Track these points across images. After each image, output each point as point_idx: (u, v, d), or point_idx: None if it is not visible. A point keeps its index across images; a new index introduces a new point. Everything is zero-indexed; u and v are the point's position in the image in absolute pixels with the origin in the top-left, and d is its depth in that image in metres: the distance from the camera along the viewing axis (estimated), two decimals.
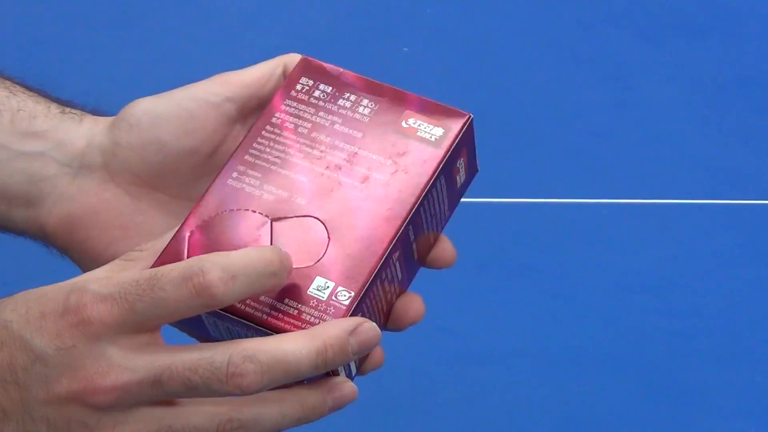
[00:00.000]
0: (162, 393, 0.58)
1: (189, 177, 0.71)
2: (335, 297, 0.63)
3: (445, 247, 0.71)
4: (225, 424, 0.58)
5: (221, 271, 0.58)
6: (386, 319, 0.68)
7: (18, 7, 2.24)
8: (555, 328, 1.74)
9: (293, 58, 0.73)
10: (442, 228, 0.71)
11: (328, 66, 0.71)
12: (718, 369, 1.70)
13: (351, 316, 0.63)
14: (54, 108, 0.72)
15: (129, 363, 0.57)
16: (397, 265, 0.67)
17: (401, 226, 0.66)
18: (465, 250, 1.84)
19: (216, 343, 0.58)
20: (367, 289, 0.64)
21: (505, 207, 1.93)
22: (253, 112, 0.71)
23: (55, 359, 0.57)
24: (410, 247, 0.67)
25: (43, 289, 0.61)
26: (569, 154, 2.02)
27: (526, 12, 2.32)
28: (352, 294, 0.64)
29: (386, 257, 0.65)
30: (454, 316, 1.75)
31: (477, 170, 0.72)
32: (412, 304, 0.68)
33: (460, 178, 0.70)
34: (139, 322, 0.58)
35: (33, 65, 2.10)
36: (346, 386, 0.62)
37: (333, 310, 0.63)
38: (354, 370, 0.66)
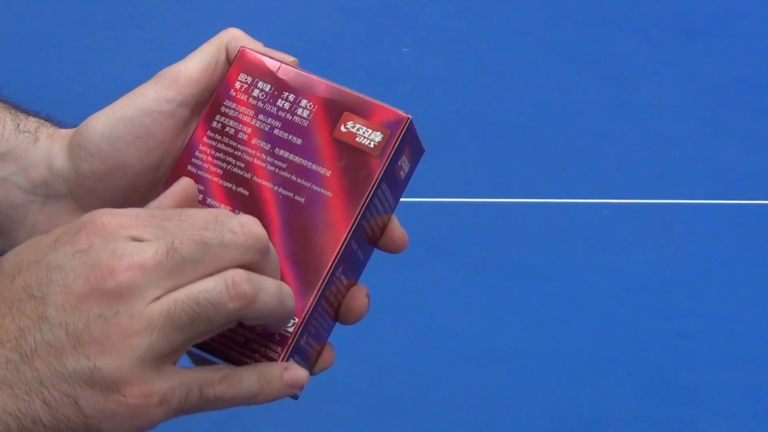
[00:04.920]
0: (179, 260, 0.58)
1: (155, 189, 0.70)
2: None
3: (395, 236, 0.69)
4: (230, 277, 0.58)
5: (240, 224, 0.60)
6: (336, 313, 0.68)
7: (17, 7, 2.24)
8: (555, 328, 1.74)
9: (233, 39, 0.70)
10: (392, 212, 0.69)
11: (266, 59, 0.68)
12: (718, 369, 1.70)
13: (297, 338, 0.64)
14: (9, 123, 0.71)
15: (143, 246, 0.58)
16: (342, 276, 0.66)
17: (342, 243, 0.65)
18: (465, 250, 1.85)
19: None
20: (310, 313, 0.64)
21: (505, 207, 1.93)
22: (204, 105, 0.70)
23: (72, 263, 0.58)
24: (354, 253, 0.67)
25: (43, 234, 0.61)
26: (569, 154, 2.03)
27: (526, 12, 2.32)
28: (296, 320, 0.64)
29: (329, 277, 0.65)
30: (454, 316, 1.75)
31: (423, 150, 0.70)
32: (355, 301, 0.68)
33: (404, 171, 0.68)
34: (160, 237, 0.59)
35: (32, 66, 2.11)
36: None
37: (279, 338, 0.63)
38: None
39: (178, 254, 0.58)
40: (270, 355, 0.63)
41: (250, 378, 0.61)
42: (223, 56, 0.70)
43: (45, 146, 0.70)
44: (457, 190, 1.88)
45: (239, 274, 0.58)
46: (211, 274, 0.58)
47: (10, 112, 0.72)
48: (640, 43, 2.26)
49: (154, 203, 0.63)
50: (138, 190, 0.70)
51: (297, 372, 0.62)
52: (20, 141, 0.71)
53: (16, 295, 0.58)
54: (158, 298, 0.57)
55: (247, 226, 0.59)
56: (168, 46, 2.14)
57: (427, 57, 2.19)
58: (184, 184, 0.64)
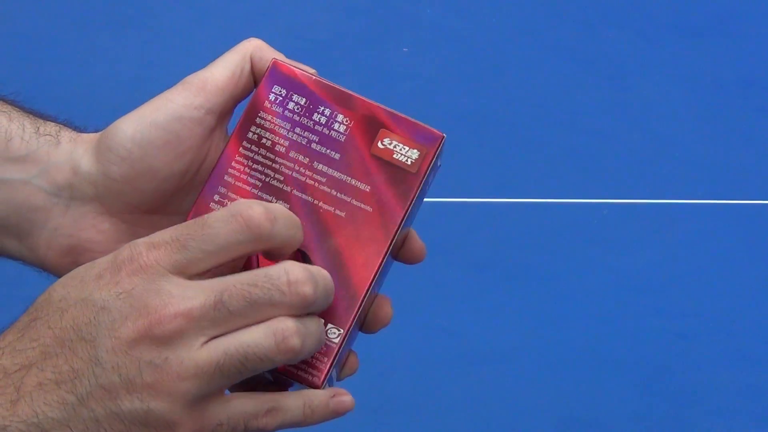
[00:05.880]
0: (225, 313, 0.59)
1: (180, 194, 0.71)
2: (326, 335, 0.65)
3: (415, 247, 0.72)
4: (280, 332, 0.60)
5: (264, 209, 0.61)
6: (363, 322, 0.69)
7: (17, 7, 2.24)
8: (554, 328, 1.74)
9: (257, 49, 0.71)
10: (411, 224, 0.72)
11: (298, 72, 0.70)
12: (718, 369, 1.70)
13: (342, 348, 0.66)
14: (28, 125, 0.72)
15: (188, 292, 0.59)
16: (376, 287, 0.68)
17: (384, 257, 0.67)
18: (465, 250, 1.85)
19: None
20: (354, 323, 0.66)
21: (505, 207, 1.93)
22: (229, 113, 0.71)
23: (117, 304, 0.59)
24: (387, 265, 0.69)
25: (87, 264, 0.62)
26: (569, 154, 2.03)
27: (525, 12, 2.32)
28: (342, 332, 0.66)
29: (369, 289, 0.67)
30: (454, 316, 1.75)
31: (440, 166, 0.72)
32: (381, 310, 0.70)
33: (429, 184, 0.71)
34: (192, 260, 0.60)
35: (32, 65, 2.11)
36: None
37: (325, 349, 0.65)
38: (335, 377, 0.68)
39: (225, 308, 0.59)
40: (316, 364, 0.65)
41: (295, 408, 0.63)
42: (247, 66, 0.71)
43: (68, 149, 0.71)
44: (457, 190, 1.88)
45: (288, 328, 0.60)
46: (255, 323, 0.60)
47: (29, 117, 0.73)
48: (640, 43, 2.26)
49: None
50: (164, 195, 0.70)
51: (344, 399, 0.65)
52: (41, 144, 0.71)
53: (66, 335, 0.60)
54: (205, 342, 0.59)
55: (295, 286, 0.60)
56: (167, 46, 2.14)
57: (427, 57, 2.19)
58: None
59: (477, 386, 1.66)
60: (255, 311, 0.60)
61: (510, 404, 1.64)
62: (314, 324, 0.62)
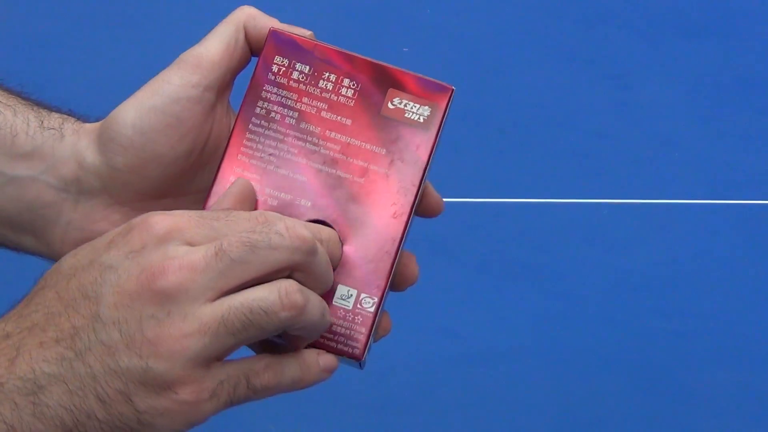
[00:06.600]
0: (228, 262, 0.59)
1: (188, 175, 0.70)
2: (360, 305, 0.65)
3: (433, 201, 0.71)
4: (284, 288, 0.60)
5: (287, 221, 0.61)
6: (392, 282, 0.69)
7: (17, 7, 2.24)
8: (555, 327, 1.74)
9: (250, 18, 0.71)
10: (427, 179, 0.71)
11: (298, 38, 0.69)
12: (718, 369, 1.70)
13: (378, 315, 0.65)
14: (32, 120, 0.71)
15: (192, 249, 0.59)
16: (402, 249, 0.68)
17: (408, 218, 0.66)
18: (465, 250, 1.85)
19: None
20: (386, 289, 0.66)
21: (505, 207, 1.93)
22: (228, 87, 0.70)
23: (126, 263, 0.59)
24: (411, 224, 0.68)
25: (99, 237, 0.62)
26: (569, 154, 2.03)
27: (525, 12, 2.32)
28: (376, 300, 0.65)
29: (398, 253, 0.66)
30: (454, 316, 1.75)
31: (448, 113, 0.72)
32: (407, 269, 0.69)
33: (442, 137, 0.70)
34: (211, 237, 0.60)
35: (32, 65, 2.11)
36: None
37: (361, 319, 0.65)
38: (371, 344, 0.68)
39: (226, 256, 0.59)
40: (355, 335, 0.65)
41: (292, 366, 0.62)
42: (241, 36, 0.70)
43: (72, 142, 0.70)
44: (457, 190, 1.88)
45: (291, 285, 0.60)
46: (259, 276, 0.59)
47: (33, 110, 0.72)
48: (640, 43, 2.26)
49: (213, 206, 0.64)
50: (172, 179, 0.70)
51: (329, 357, 0.64)
52: (46, 138, 0.70)
53: (71, 295, 0.59)
54: (210, 300, 0.59)
55: (293, 229, 0.60)
56: (168, 46, 2.14)
57: (427, 57, 2.19)
58: (241, 185, 0.65)
59: (477, 386, 1.66)
60: (256, 257, 0.59)
61: (510, 404, 1.64)
62: (315, 295, 0.61)
